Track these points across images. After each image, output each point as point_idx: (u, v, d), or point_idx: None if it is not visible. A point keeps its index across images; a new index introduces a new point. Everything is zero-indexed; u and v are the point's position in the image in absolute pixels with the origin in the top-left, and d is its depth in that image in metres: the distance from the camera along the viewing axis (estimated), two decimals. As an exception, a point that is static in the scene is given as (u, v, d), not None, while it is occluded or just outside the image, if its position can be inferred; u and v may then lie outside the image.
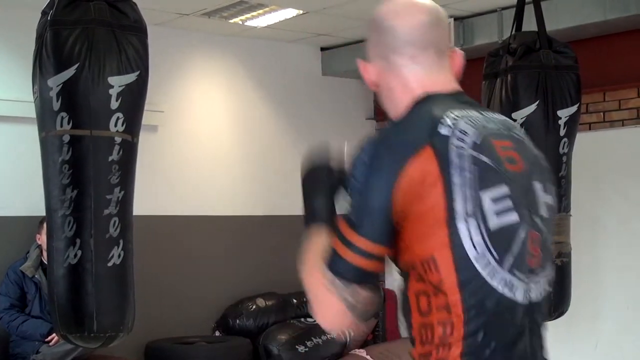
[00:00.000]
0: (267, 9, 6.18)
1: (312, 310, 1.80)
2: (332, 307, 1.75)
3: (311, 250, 1.84)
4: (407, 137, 1.71)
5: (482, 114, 1.84)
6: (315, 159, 1.97)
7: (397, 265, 1.83)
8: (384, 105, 1.92)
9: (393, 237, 1.71)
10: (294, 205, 7.70)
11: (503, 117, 1.93)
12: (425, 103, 1.80)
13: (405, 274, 1.82)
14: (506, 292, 1.70)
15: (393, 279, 7.80)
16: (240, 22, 6.51)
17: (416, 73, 1.87)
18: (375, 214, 1.68)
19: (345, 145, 1.97)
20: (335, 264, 1.72)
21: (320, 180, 1.94)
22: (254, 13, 6.28)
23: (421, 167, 1.66)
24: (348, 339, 6.92)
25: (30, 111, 3.73)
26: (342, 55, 7.51)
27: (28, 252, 5.69)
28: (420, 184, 1.66)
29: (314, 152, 1.99)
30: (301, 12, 6.26)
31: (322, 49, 7.63)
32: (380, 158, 1.68)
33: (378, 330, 7.45)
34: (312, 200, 1.93)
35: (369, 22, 1.91)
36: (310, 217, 1.93)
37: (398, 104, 1.85)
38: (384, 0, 1.93)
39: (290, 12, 6.28)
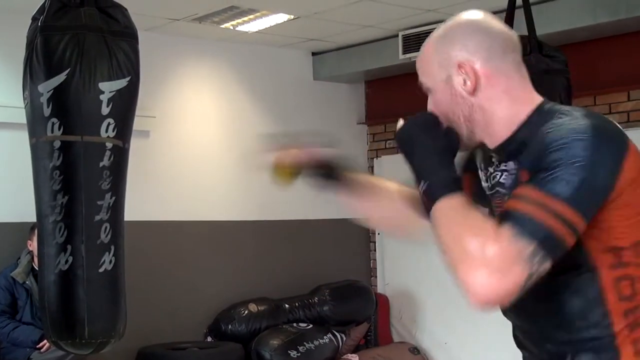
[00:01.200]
0: (258, 14, 6.18)
1: (466, 280, 1.68)
2: (510, 278, 1.64)
3: (470, 217, 1.74)
4: (617, 130, 1.80)
5: None
6: (427, 120, 1.91)
7: (574, 250, 1.73)
8: (489, 107, 1.89)
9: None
10: (286, 210, 7.74)
11: None
12: (554, 106, 1.87)
13: (585, 263, 1.79)
14: None
15: (384, 284, 7.82)
16: (232, 27, 6.51)
17: (525, 77, 1.92)
18: (598, 192, 1.70)
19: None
20: (540, 236, 1.66)
21: (444, 144, 1.87)
22: (245, 18, 6.28)
23: (634, 158, 1.75)
24: (340, 344, 6.92)
25: (21, 117, 3.72)
26: (333, 59, 7.52)
27: (19, 259, 5.68)
28: (638, 172, 1.75)
29: (422, 116, 1.92)
30: (292, 17, 6.27)
31: (313, 53, 7.64)
32: (607, 141, 1.72)
33: (370, 334, 7.46)
34: (438, 167, 1.83)
35: (462, 27, 1.90)
36: (440, 186, 1.80)
37: (517, 108, 1.87)
38: (460, 13, 1.93)
39: (281, 17, 6.29)
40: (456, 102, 1.89)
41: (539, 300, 1.83)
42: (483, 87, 1.86)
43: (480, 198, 2.02)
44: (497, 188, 1.96)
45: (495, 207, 1.98)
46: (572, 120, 1.76)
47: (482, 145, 1.97)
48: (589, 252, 1.78)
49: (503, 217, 1.71)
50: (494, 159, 1.95)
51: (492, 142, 1.91)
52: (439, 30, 1.93)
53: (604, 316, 1.78)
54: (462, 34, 1.88)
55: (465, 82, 1.86)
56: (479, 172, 2.05)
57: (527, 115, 1.87)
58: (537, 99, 1.91)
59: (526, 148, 1.80)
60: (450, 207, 1.77)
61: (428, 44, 1.94)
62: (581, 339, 1.81)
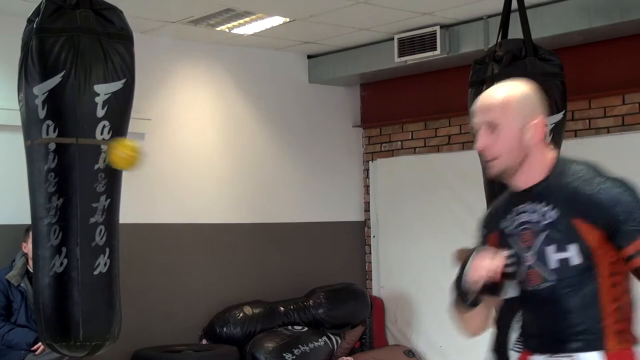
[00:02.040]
0: (253, 17, 6.18)
1: None
2: None
3: None
4: None
5: None
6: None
7: (590, 262, 2.35)
8: (536, 154, 2.43)
9: None
10: (281, 213, 7.72)
11: None
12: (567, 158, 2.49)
13: (594, 272, 2.34)
14: None
15: (379, 287, 7.82)
16: (227, 30, 6.51)
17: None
18: None
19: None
20: None
21: None
22: (241, 21, 6.28)
23: None
24: (335, 347, 6.92)
25: (16, 119, 3.72)
26: (328, 62, 7.52)
27: (14, 261, 5.67)
28: None
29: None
30: (288, 20, 6.27)
31: (309, 56, 7.64)
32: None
33: (365, 337, 7.45)
34: None
35: (533, 90, 2.49)
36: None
37: (549, 155, 2.45)
38: (506, 83, 2.49)
39: (276, 20, 6.29)
40: (521, 146, 2.39)
41: (548, 301, 2.40)
42: (540, 138, 2.42)
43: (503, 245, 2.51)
44: (525, 226, 2.43)
45: (522, 241, 2.44)
46: (596, 171, 2.40)
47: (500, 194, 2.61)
48: (599, 265, 2.34)
49: None
50: (514, 201, 2.48)
51: (526, 183, 2.43)
52: (516, 91, 2.45)
53: (598, 312, 2.34)
54: (534, 96, 2.47)
55: (534, 134, 2.39)
56: (500, 222, 2.54)
57: (553, 161, 2.44)
58: (552, 146, 2.50)
59: (554, 190, 2.38)
60: None
61: (508, 96, 2.43)
62: (577, 331, 2.37)
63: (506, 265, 2.42)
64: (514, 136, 2.39)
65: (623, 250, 2.30)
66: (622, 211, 2.29)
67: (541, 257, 2.39)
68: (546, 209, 2.38)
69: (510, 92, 2.45)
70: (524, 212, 2.44)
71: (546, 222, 2.38)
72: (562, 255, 2.35)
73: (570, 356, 2.37)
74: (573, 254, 2.34)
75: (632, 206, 2.30)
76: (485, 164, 2.47)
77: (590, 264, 2.33)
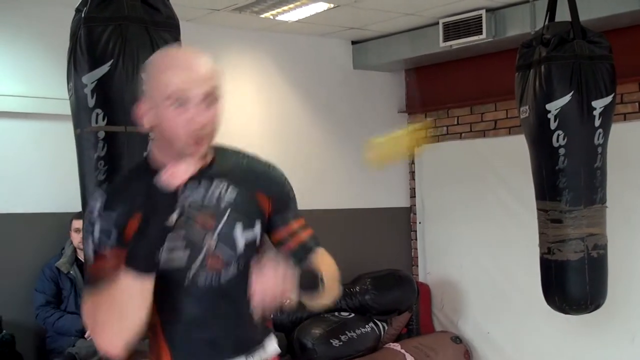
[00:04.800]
0: (297, 3, 6.17)
1: None
2: None
3: None
4: None
5: None
6: None
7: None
8: None
9: None
10: (326, 199, 7.71)
11: None
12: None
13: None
14: None
15: (426, 273, 7.80)
16: (271, 17, 6.52)
17: None
18: None
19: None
20: None
21: None
22: (285, 7, 6.28)
23: None
24: (382, 333, 6.92)
25: (66, 108, 3.76)
26: (373, 48, 7.49)
27: (63, 249, 5.75)
28: None
29: None
30: (332, 5, 6.26)
31: (353, 42, 7.62)
32: None
33: (412, 323, 7.44)
34: None
35: None
36: None
37: None
38: None
39: (321, 6, 6.28)
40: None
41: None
42: None
43: None
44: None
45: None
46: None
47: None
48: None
49: None
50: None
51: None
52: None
53: None
54: None
55: None
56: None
57: None
58: None
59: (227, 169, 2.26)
60: None
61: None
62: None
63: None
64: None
65: (288, 225, 2.31)
66: (290, 188, 2.35)
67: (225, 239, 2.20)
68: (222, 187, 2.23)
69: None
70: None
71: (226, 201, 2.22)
72: (249, 234, 2.24)
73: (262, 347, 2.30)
74: (257, 232, 2.26)
75: (290, 186, 2.37)
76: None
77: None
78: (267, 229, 2.30)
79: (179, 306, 2.17)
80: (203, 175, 2.17)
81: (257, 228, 2.25)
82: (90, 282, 2.09)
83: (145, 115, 2.13)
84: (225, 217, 2.19)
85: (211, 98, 2.13)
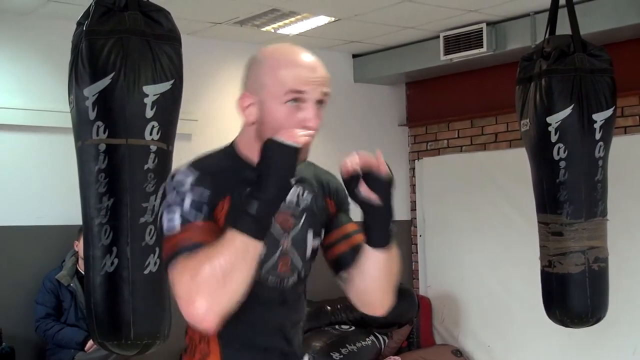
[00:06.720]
0: (299, 16, 6.20)
1: None
2: None
3: None
4: None
5: None
6: None
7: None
8: None
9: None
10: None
11: None
12: None
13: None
14: None
15: (426, 286, 7.79)
16: (273, 30, 6.54)
17: None
18: None
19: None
20: None
21: None
22: (286, 21, 6.30)
23: None
24: (383, 346, 6.91)
25: (67, 121, 3.76)
26: (374, 61, 7.51)
27: (64, 261, 5.75)
28: None
29: None
30: (333, 19, 6.27)
31: (354, 55, 7.64)
32: None
33: (412, 336, 7.43)
34: None
35: None
36: None
37: None
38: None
39: (322, 20, 6.30)
40: None
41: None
42: None
43: None
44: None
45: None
46: None
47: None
48: None
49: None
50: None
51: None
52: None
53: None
54: None
55: None
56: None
57: None
58: None
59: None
60: None
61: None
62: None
63: None
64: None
65: (342, 227, 2.21)
66: (347, 194, 2.11)
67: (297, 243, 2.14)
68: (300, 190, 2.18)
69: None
70: None
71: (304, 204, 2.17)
72: (316, 242, 2.19)
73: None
74: (320, 240, 2.22)
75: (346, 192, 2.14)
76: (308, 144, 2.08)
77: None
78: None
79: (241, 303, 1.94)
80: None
81: (322, 236, 2.20)
82: (175, 251, 1.96)
83: (249, 107, 2.14)
84: (302, 220, 2.14)
85: (323, 103, 2.10)
